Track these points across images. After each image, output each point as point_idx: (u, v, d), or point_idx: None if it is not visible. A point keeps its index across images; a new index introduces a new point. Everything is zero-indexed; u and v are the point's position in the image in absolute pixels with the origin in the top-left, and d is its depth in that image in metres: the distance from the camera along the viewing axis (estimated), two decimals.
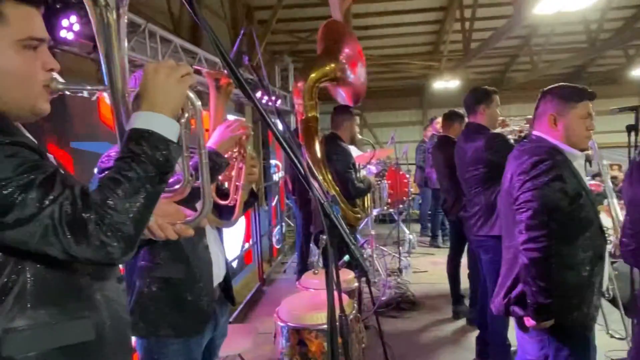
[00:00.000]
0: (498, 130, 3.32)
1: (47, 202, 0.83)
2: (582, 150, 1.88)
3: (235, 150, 1.68)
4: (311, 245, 4.72)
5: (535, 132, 1.95)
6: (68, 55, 2.65)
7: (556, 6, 4.73)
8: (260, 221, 5.57)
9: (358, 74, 3.00)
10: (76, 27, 2.31)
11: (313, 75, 3.05)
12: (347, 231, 1.00)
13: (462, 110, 3.81)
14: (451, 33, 9.17)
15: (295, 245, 5.55)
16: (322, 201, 0.95)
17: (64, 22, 2.25)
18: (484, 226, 3.19)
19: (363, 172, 3.81)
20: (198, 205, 1.16)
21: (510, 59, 11.34)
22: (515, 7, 5.54)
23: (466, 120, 3.46)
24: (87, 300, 0.99)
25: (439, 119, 7.32)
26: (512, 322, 3.69)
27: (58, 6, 2.27)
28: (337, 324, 0.98)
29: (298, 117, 3.31)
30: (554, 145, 1.83)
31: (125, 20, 1.02)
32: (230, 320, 4.01)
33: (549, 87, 1.96)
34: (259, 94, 3.70)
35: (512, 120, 3.50)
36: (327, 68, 3.06)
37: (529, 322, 1.78)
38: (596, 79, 11.53)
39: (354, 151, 3.80)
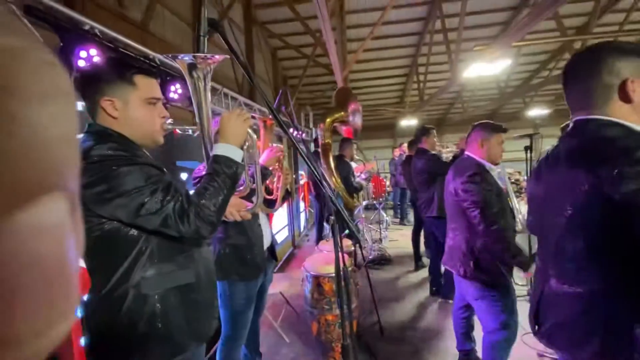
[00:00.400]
0: (435, 152, 3.32)
1: (166, 201, 0.86)
2: (495, 164, 1.82)
3: (276, 165, 1.69)
4: (324, 224, 4.71)
5: (467, 153, 1.88)
6: (174, 108, 2.69)
7: (477, 72, 4.67)
8: (292, 209, 5.57)
9: (357, 119, 3.08)
10: (180, 91, 2.34)
11: (329, 119, 3.17)
12: (347, 214, 0.99)
13: None
14: (411, 90, 9.11)
15: (314, 224, 5.52)
16: (331, 196, 0.94)
17: (172, 88, 2.29)
18: (427, 211, 3.19)
19: (358, 179, 3.85)
20: (254, 199, 1.17)
21: (449, 105, 11.20)
22: (451, 73, 5.47)
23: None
24: (190, 257, 1.00)
25: (405, 144, 7.28)
26: None
27: (168, 78, 2.31)
28: (341, 273, 0.97)
29: (320, 142, 3.45)
30: (479, 162, 1.78)
31: (209, 86, 1.03)
32: (274, 270, 4.03)
33: (478, 122, 1.91)
34: (291, 130, 3.80)
35: (447, 146, 3.46)
36: (338, 115, 3.16)
37: (524, 274, 1.65)
38: (505, 118, 11.26)
39: (353, 165, 3.88)
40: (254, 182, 1.15)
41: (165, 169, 1.02)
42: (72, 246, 0.21)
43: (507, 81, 8.99)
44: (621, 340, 0.80)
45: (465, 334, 2.09)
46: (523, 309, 1.78)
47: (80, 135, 0.93)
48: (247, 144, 1.11)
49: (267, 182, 1.71)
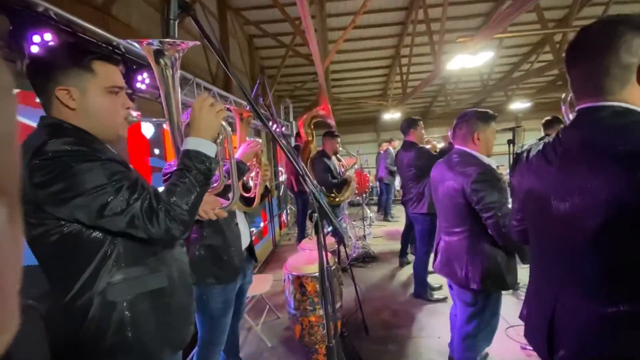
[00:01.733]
0: (424, 145, 3.34)
1: (132, 200, 0.82)
2: (489, 156, 1.74)
3: (254, 160, 1.67)
4: (307, 222, 4.72)
5: (458, 147, 1.77)
6: (142, 100, 2.60)
7: (460, 64, 4.79)
8: (272, 207, 5.54)
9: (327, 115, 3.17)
10: (147, 80, 2.26)
11: (305, 116, 3.37)
12: (330, 210, 0.99)
13: None
14: (394, 82, 9.21)
15: (296, 222, 5.52)
16: (314, 192, 0.93)
17: (139, 77, 2.20)
18: (417, 207, 3.20)
19: (349, 171, 3.88)
20: (229, 196, 1.15)
21: (432, 98, 11.40)
22: (434, 65, 5.57)
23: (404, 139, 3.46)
24: (162, 259, 0.97)
25: (396, 141, 7.38)
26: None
27: (134, 66, 2.22)
28: (325, 272, 0.97)
29: (302, 139, 3.53)
30: (476, 157, 1.70)
31: (179, 75, 1.00)
32: (254, 272, 4.00)
33: (467, 112, 1.77)
34: (270, 123, 3.82)
35: (433, 138, 3.51)
36: (315, 111, 3.39)
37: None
38: None
39: (335, 160, 3.85)
40: (229, 178, 1.13)
41: (131, 166, 0.98)
42: (10, 255, 0.21)
43: (490, 74, 9.26)
44: None
45: None
46: (505, 300, 1.85)
47: (35, 131, 0.87)
48: (221, 137, 1.08)
49: (245, 178, 1.68)
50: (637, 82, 0.75)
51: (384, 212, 7.09)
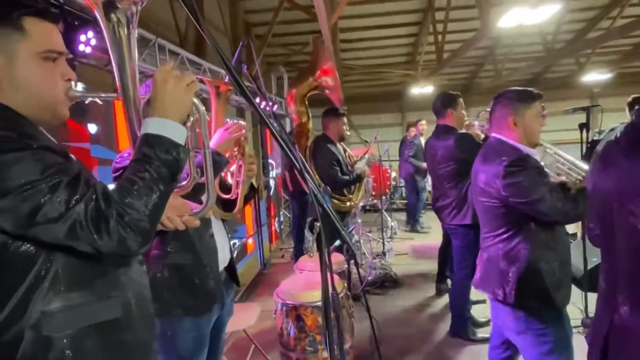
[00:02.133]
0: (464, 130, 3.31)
1: (73, 202, 0.83)
2: (535, 146, 1.85)
3: (235, 149, 1.68)
4: (305, 232, 4.74)
5: (494, 135, 1.89)
6: (86, 68, 2.61)
7: (517, 20, 4.76)
8: (260, 212, 5.57)
9: (333, 84, 3.09)
10: (93, 42, 2.26)
11: (297, 89, 3.27)
12: (338, 218, 1.00)
13: None
14: (426, 45, 9.18)
15: (291, 233, 5.56)
16: (316, 192, 0.94)
17: (82, 37, 2.21)
18: (457, 216, 3.19)
19: (360, 163, 3.76)
20: (203, 198, 1.16)
21: (477, 67, 11.37)
22: (481, 21, 5.54)
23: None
24: (114, 282, 0.98)
25: (423, 121, 7.34)
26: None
27: (76, 23, 2.22)
28: (330, 301, 0.97)
29: (294, 122, 3.45)
30: (513, 146, 1.80)
31: (136, 35, 1.01)
32: (235, 300, 4.03)
33: (501, 92, 1.91)
34: (257, 100, 3.76)
35: (476, 120, 3.46)
36: (307, 83, 3.23)
37: None
38: (552, 84, 11.59)
39: (340, 148, 3.79)
40: (202, 174, 1.13)
41: (72, 156, 0.99)
42: None
43: (556, 34, 9.19)
44: None
45: None
46: (576, 342, 1.86)
47: None
48: (192, 118, 1.08)
49: (222, 174, 1.70)
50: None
51: (412, 221, 7.09)
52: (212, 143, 1.61)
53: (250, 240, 5.36)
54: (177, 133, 0.96)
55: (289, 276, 2.54)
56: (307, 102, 3.44)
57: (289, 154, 1.01)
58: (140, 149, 0.93)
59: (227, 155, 1.62)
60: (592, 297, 3.01)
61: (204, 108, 1.10)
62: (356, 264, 3.34)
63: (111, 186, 0.93)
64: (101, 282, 0.96)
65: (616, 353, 0.95)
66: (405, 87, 10.90)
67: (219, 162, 1.55)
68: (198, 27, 0.95)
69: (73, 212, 0.82)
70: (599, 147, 1.10)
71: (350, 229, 3.99)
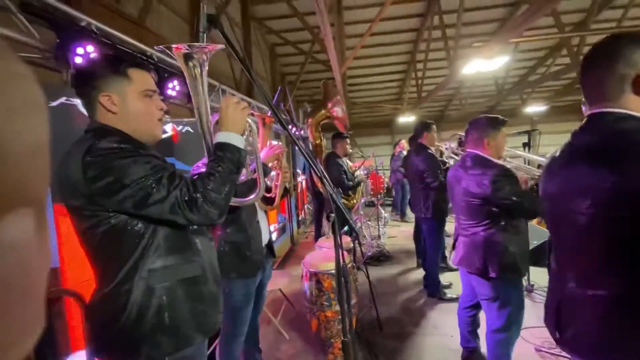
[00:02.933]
0: (434, 148, 3.32)
1: (172, 188, 0.86)
2: (500, 158, 1.80)
3: (275, 162, 1.69)
4: (323, 220, 4.71)
5: (470, 150, 1.84)
6: (173, 105, 2.68)
7: (476, 68, 4.68)
8: (291, 206, 5.58)
9: (339, 113, 3.09)
10: (177, 87, 2.33)
11: (313, 119, 3.28)
12: (347, 211, 0.99)
13: None
14: (409, 87, 9.10)
15: (313, 222, 5.53)
16: (332, 193, 0.94)
17: (170, 85, 2.28)
18: (421, 209, 3.21)
19: (358, 172, 3.79)
20: (252, 194, 1.17)
21: (447, 102, 11.20)
22: (450, 69, 5.46)
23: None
24: (195, 250, 1.01)
25: (404, 141, 7.27)
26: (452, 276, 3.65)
27: (166, 75, 2.30)
28: (342, 270, 0.97)
29: (312, 142, 3.50)
30: (488, 159, 1.76)
31: (206, 76, 1.02)
32: (273, 268, 4.03)
33: (478, 118, 1.85)
34: (290, 127, 3.87)
35: (445, 143, 3.41)
36: (320, 114, 3.23)
37: None
38: (502, 114, 11.10)
39: (347, 162, 3.80)
40: (254, 173, 1.15)
41: (167, 161, 1.02)
42: (37, 265, 0.21)
43: (505, 77, 9.00)
44: None
45: (471, 332, 2.09)
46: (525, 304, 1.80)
47: (82, 135, 0.93)
48: (247, 132, 1.11)
49: (266, 179, 1.70)
50: (632, 92, 0.83)
51: (400, 213, 7.00)
52: (261, 157, 1.63)
53: (285, 225, 5.38)
54: (238, 141, 1.00)
55: (311, 252, 2.53)
56: (320, 129, 3.51)
57: (312, 165, 1.01)
58: (215, 152, 0.97)
59: (270, 166, 1.64)
60: (533, 270, 2.95)
61: (255, 127, 1.12)
62: (359, 243, 3.32)
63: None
64: (187, 250, 0.99)
65: (567, 317, 0.93)
66: (395, 117, 10.79)
67: (265, 171, 1.57)
68: (248, 75, 0.97)
69: (172, 196, 0.86)
70: (547, 161, 1.07)
71: (355, 218, 3.96)
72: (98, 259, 0.93)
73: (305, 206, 7.44)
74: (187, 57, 0.96)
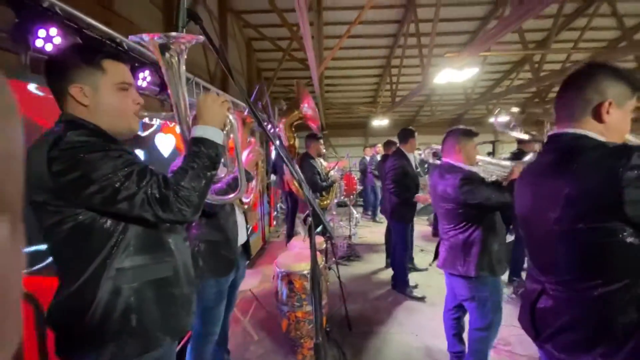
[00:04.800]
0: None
1: (143, 184, 0.83)
2: (472, 165, 1.90)
3: (254, 167, 1.68)
4: (296, 219, 4.72)
5: (445, 159, 1.94)
6: (142, 97, 2.55)
7: (447, 78, 4.88)
8: (263, 204, 5.52)
9: (313, 114, 3.14)
10: (148, 78, 2.22)
11: (286, 119, 3.27)
12: (322, 213, 1.00)
13: (394, 139, 3.87)
14: (384, 91, 9.30)
15: (285, 220, 5.51)
16: (309, 196, 0.95)
17: (141, 75, 2.17)
18: (390, 211, 3.36)
19: (332, 172, 3.81)
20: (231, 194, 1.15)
21: (419, 108, 11.56)
22: (422, 77, 5.66)
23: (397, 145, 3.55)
24: (167, 250, 0.97)
25: (380, 145, 7.43)
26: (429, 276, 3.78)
27: (136, 64, 2.18)
28: (315, 273, 0.98)
29: (285, 143, 3.49)
30: (459, 166, 1.85)
31: (184, 69, 0.98)
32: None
33: (452, 129, 1.95)
34: (265, 124, 3.84)
35: (419, 150, 3.55)
36: (293, 115, 3.23)
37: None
38: (469, 123, 11.70)
39: (322, 162, 3.82)
40: (236, 173, 1.12)
41: (139, 157, 0.98)
42: (13, 269, 0.21)
43: (473, 88, 9.45)
44: (624, 344, 0.82)
45: (456, 335, 2.13)
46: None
47: (53, 127, 0.88)
48: (227, 128, 1.06)
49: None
50: (592, 117, 0.93)
51: (372, 214, 7.12)
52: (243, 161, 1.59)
53: (255, 223, 5.30)
54: (216, 135, 0.96)
55: (282, 251, 2.52)
56: (293, 129, 3.49)
57: (290, 168, 1.01)
58: (190, 147, 0.93)
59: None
60: None
61: (235, 120, 1.08)
62: (332, 244, 3.36)
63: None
64: (158, 250, 0.95)
65: (543, 320, 0.99)
66: (369, 119, 11.00)
67: (248, 178, 1.56)
68: (229, 74, 0.95)
69: (143, 192, 0.82)
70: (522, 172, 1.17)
71: (328, 219, 3.99)
72: (63, 256, 0.88)
73: (278, 205, 7.39)
74: (164, 48, 0.93)
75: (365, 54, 7.88)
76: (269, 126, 4.77)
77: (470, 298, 1.84)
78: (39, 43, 1.45)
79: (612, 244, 0.85)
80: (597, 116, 0.92)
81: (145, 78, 2.18)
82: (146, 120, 2.25)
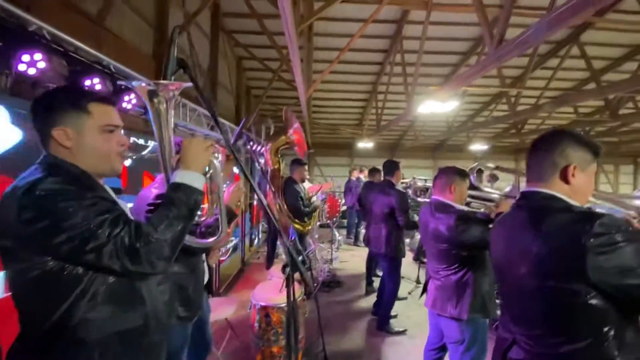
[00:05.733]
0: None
1: (113, 234, 0.80)
2: (462, 204, 1.92)
3: (237, 203, 1.66)
4: (277, 242, 4.67)
5: (436, 197, 1.94)
6: (126, 116, 2.53)
7: (430, 109, 5.08)
8: (243, 224, 5.43)
9: (300, 140, 3.22)
10: (133, 101, 2.21)
11: (272, 143, 3.37)
12: (299, 260, 1.00)
13: (379, 166, 3.90)
14: (370, 114, 9.53)
15: (267, 241, 5.43)
16: (288, 246, 0.95)
17: (126, 97, 2.16)
18: (383, 247, 3.25)
19: (315, 198, 3.81)
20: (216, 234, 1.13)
21: (403, 133, 11.86)
22: (407, 106, 5.86)
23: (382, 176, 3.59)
24: (138, 298, 0.93)
25: (366, 170, 7.50)
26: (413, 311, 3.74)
27: (123, 87, 2.17)
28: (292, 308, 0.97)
29: (270, 167, 3.54)
30: (450, 204, 1.87)
31: (172, 113, 0.99)
32: (220, 291, 3.84)
33: (447, 166, 1.98)
34: (251, 144, 3.95)
35: (402, 183, 3.60)
36: (280, 140, 3.29)
37: None
38: (450, 149, 12.36)
39: (306, 185, 3.84)
40: (217, 215, 1.10)
41: (120, 202, 0.96)
42: None
43: (455, 117, 9.85)
44: None
45: None
46: None
47: (32, 167, 0.86)
48: (211, 171, 1.07)
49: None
50: (559, 178, 1.01)
51: (354, 237, 7.10)
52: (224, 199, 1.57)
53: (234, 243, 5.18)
54: (196, 181, 0.94)
55: (261, 275, 2.47)
56: (279, 154, 3.53)
57: (268, 211, 1.02)
58: (167, 193, 0.92)
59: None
60: None
61: (219, 166, 1.09)
62: (312, 275, 3.30)
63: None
64: (129, 299, 0.91)
65: None
66: (355, 141, 11.19)
67: (230, 217, 1.54)
68: (216, 124, 0.96)
69: (114, 243, 0.80)
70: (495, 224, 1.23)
71: (310, 247, 3.95)
72: (26, 303, 0.84)
73: (260, 224, 7.28)
74: (152, 94, 0.93)
75: (353, 79, 8.11)
76: (255, 145, 4.81)
77: (460, 340, 1.81)
78: (21, 67, 1.44)
79: (576, 305, 0.89)
80: (564, 178, 1.00)
81: (130, 101, 2.16)
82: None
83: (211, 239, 1.13)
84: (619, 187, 13.50)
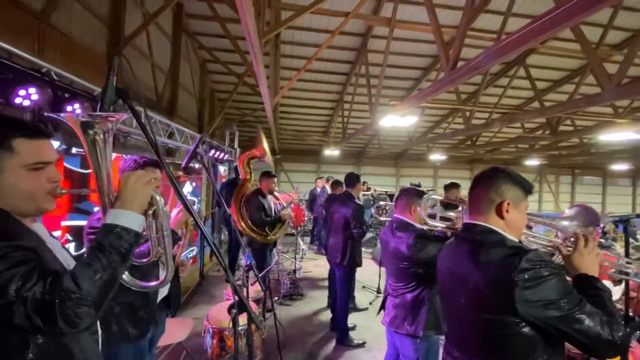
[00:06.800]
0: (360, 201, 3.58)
1: (23, 291, 0.70)
2: (421, 224, 1.95)
3: (183, 226, 1.59)
4: (239, 253, 4.56)
5: (397, 216, 2.00)
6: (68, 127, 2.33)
7: (391, 122, 5.27)
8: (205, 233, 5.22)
9: (264, 155, 3.50)
10: (78, 111, 2.04)
11: (244, 156, 3.61)
12: (246, 299, 0.98)
13: (341, 179, 3.92)
14: (336, 123, 9.68)
15: (227, 252, 5.27)
16: (234, 284, 0.92)
17: (69, 108, 1.99)
18: (338, 256, 3.31)
19: (284, 212, 3.73)
20: (162, 272, 1.06)
21: (367, 142, 12.12)
22: (370, 116, 6.02)
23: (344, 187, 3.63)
24: (67, 354, 0.83)
25: (330, 182, 7.53)
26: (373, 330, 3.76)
27: (66, 95, 2.00)
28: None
29: (242, 177, 3.70)
30: (411, 223, 1.93)
31: (111, 146, 0.92)
32: (177, 310, 3.64)
33: (407, 187, 2.04)
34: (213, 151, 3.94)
35: (364, 195, 3.71)
36: (251, 152, 3.61)
37: None
38: (412, 158, 12.90)
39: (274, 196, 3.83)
40: (163, 251, 1.02)
41: (38, 249, 0.86)
42: None
43: (416, 128, 10.29)
44: None
45: None
46: None
47: None
48: (153, 208, 0.98)
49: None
50: (495, 213, 1.09)
51: (318, 245, 7.11)
52: (170, 222, 1.49)
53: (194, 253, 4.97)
54: (133, 221, 0.85)
55: (221, 288, 2.38)
56: (250, 165, 3.65)
57: (197, 221, 0.99)
58: (97, 237, 0.82)
59: (179, 232, 1.55)
60: None
61: (162, 200, 1.00)
62: (270, 296, 3.21)
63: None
64: (57, 356, 0.81)
65: None
66: (321, 148, 11.28)
67: (175, 240, 1.47)
68: (159, 159, 0.91)
69: (23, 299, 0.70)
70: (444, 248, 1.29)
71: (273, 262, 3.89)
72: None
73: (223, 230, 7.05)
74: (87, 126, 0.86)
75: (320, 87, 8.19)
76: (219, 153, 4.81)
77: (413, 357, 1.85)
78: None
79: (508, 335, 0.96)
80: (499, 213, 1.08)
81: (74, 111, 2.00)
82: None
83: (154, 282, 1.06)
84: (559, 195, 14.87)
